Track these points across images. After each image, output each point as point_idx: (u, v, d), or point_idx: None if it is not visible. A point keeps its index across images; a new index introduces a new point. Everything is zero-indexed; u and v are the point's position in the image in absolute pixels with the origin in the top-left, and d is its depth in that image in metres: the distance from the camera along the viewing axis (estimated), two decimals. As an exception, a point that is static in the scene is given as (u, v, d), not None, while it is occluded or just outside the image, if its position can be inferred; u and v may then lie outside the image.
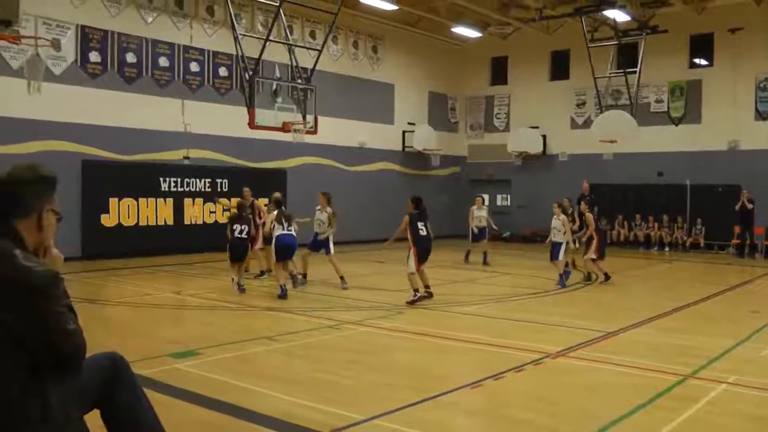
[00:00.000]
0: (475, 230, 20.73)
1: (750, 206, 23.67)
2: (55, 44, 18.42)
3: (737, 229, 24.43)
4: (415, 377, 7.99)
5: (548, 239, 16.63)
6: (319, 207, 15.54)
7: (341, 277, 15.02)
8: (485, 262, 20.36)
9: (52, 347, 3.30)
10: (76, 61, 19.46)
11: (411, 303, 12.97)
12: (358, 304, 13.24)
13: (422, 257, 13.28)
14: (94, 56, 19.83)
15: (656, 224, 26.73)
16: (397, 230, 13.65)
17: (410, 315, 12.16)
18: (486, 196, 30.32)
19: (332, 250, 15.33)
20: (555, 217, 16.31)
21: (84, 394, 3.69)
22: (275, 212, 14.26)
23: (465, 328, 11.10)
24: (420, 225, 13.31)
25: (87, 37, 19.69)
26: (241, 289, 14.08)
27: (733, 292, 15.83)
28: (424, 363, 8.83)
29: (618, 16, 24.41)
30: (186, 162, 21.76)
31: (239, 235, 14.24)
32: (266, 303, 13.14)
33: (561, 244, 16.04)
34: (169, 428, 4.21)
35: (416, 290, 13.10)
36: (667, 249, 26.04)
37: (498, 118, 32.08)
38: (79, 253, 18.25)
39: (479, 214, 20.76)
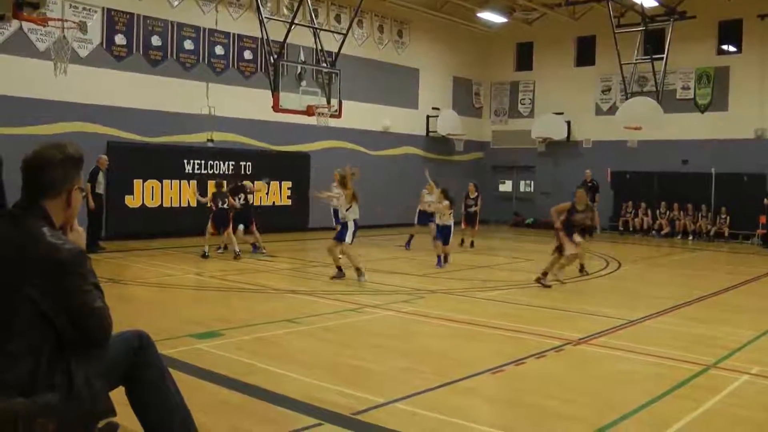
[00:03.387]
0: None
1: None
2: (82, 27, 18.44)
3: (762, 219, 24.21)
4: (435, 362, 8.01)
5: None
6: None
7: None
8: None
9: (78, 323, 3.36)
10: (102, 43, 19.56)
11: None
12: (379, 288, 13.27)
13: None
14: (119, 39, 19.93)
15: (681, 212, 26.54)
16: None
17: (431, 300, 12.18)
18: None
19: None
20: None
21: (110, 371, 3.74)
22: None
23: (486, 313, 11.11)
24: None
25: (113, 20, 19.78)
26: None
27: (758, 282, 15.71)
28: (444, 348, 8.85)
29: (645, 1, 24.19)
30: (210, 145, 21.82)
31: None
32: (288, 285, 13.20)
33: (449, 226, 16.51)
34: (192, 408, 4.25)
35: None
36: (690, 238, 25.86)
37: (522, 104, 31.94)
38: (103, 234, 18.37)
39: (429, 199, 19.34)
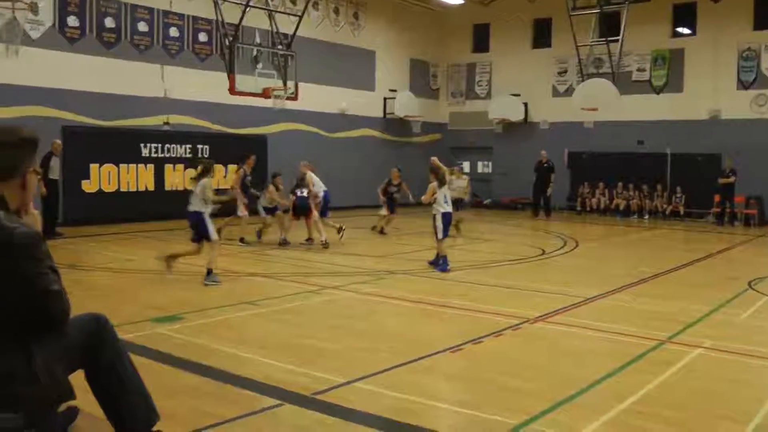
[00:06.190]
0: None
1: (732, 179, 23.77)
2: (33, 8, 18.17)
3: (717, 198, 24.61)
4: (395, 341, 8.06)
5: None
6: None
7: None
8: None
9: (35, 307, 3.33)
10: (54, 25, 19.20)
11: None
12: (339, 269, 13.29)
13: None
14: (72, 20, 19.59)
15: (637, 192, 26.87)
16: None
17: (391, 280, 12.22)
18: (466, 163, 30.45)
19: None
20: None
21: (69, 355, 3.72)
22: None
23: (444, 294, 11.18)
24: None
25: (65, 1, 19.41)
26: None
27: (712, 259, 16.00)
28: (404, 327, 8.91)
29: (601, -17, 24.34)
30: (166, 128, 21.61)
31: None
32: (247, 268, 13.14)
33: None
34: (152, 391, 4.25)
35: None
36: (646, 217, 26.22)
37: (479, 86, 32.03)
38: (60, 219, 18.13)
39: (459, 185, 19.23)
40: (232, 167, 19.00)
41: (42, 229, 3.69)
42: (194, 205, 11.75)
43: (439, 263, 13.27)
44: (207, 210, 11.78)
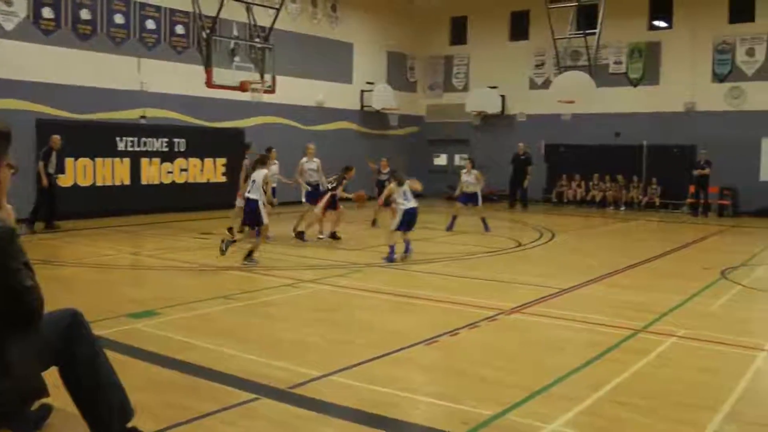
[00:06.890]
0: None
1: (707, 170, 23.97)
2: (6, -1, 18.04)
3: (692, 189, 24.84)
4: (371, 334, 8.09)
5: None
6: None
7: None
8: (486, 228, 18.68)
9: (9, 302, 3.31)
10: (28, 16, 19.01)
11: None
12: (316, 262, 13.30)
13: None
14: (47, 12, 19.39)
15: (613, 184, 27.06)
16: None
17: (367, 273, 12.25)
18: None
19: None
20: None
21: (44, 350, 3.70)
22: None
23: (421, 286, 11.24)
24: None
25: (40, -7, 19.27)
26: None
27: (687, 249, 16.14)
28: (380, 320, 8.94)
29: (578, -24, 24.42)
30: (143, 122, 21.49)
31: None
32: (225, 263, 13.10)
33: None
34: (129, 386, 4.22)
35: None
36: (622, 208, 26.40)
37: (457, 78, 32.08)
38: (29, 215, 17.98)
39: (466, 179, 18.98)
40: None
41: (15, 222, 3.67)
42: (253, 193, 12.92)
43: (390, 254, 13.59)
44: (262, 198, 12.91)
